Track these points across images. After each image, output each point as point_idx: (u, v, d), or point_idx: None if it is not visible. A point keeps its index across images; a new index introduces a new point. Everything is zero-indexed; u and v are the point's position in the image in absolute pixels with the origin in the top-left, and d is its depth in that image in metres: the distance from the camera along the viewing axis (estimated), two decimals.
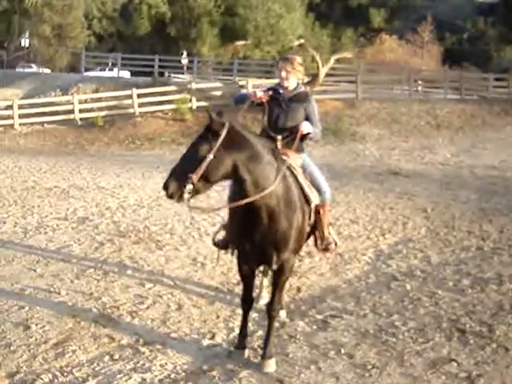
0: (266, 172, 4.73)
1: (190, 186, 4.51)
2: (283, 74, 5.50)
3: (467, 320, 6.24)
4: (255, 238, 4.90)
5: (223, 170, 4.59)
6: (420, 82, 35.29)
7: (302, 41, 28.77)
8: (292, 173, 5.14)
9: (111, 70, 40.42)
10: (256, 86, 27.80)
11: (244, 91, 5.68)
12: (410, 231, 10.18)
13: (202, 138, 4.61)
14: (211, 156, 4.51)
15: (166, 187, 4.57)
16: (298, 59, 5.56)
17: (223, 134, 4.54)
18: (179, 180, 4.52)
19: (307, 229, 5.32)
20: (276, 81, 5.79)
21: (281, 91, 5.56)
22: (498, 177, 16.31)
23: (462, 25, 59.42)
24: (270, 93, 5.48)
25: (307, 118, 5.51)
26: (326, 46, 30.53)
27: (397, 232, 10.10)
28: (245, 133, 4.75)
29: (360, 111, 28.29)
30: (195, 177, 4.49)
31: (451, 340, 5.77)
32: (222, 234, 5.90)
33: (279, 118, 5.47)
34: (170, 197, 4.60)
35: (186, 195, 4.52)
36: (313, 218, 5.38)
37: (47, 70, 40.52)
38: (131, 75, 36.48)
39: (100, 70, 41.56)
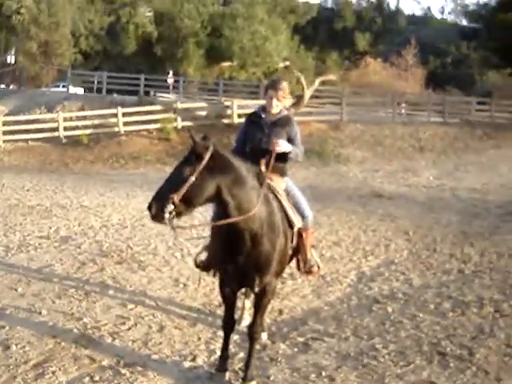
0: (249, 196, 4.77)
1: (170, 207, 4.54)
2: (273, 101, 5.53)
3: (448, 343, 6.28)
4: (238, 260, 4.92)
5: (206, 192, 4.62)
6: (404, 105, 35.64)
7: (287, 63, 28.95)
8: (276, 196, 5.18)
9: (64, 86, 41.16)
10: (241, 107, 28.03)
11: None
12: (392, 253, 10.23)
13: (186, 160, 4.66)
14: (193, 178, 4.55)
15: (149, 208, 4.60)
16: (286, 87, 5.62)
17: (206, 157, 4.59)
18: (161, 200, 4.56)
19: (290, 252, 5.35)
20: (261, 102, 5.81)
21: (263, 116, 5.61)
22: (480, 199, 16.45)
23: (446, 48, 60.20)
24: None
25: (289, 141, 5.55)
26: (311, 68, 30.76)
27: (379, 254, 10.16)
28: (229, 156, 4.79)
29: (344, 133, 28.47)
30: (176, 197, 4.52)
31: (432, 363, 5.80)
32: (204, 256, 5.92)
33: (262, 141, 5.50)
34: (153, 218, 4.63)
35: (167, 215, 4.55)
36: (295, 241, 5.42)
37: (80, 90, 40.34)
38: (118, 93, 36.47)
39: (54, 87, 42.10)
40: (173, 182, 4.60)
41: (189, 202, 4.61)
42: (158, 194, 4.61)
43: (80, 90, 39.79)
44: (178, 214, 4.62)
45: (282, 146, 5.38)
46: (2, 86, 42.67)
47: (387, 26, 55.45)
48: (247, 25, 27.40)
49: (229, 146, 5.35)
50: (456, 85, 48.03)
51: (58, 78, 46.34)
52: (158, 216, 4.59)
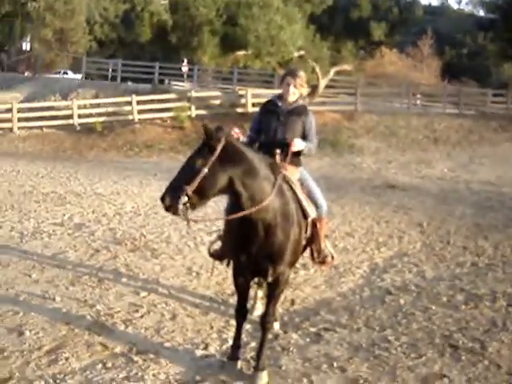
0: (263, 186, 4.76)
1: (184, 198, 4.54)
2: (290, 88, 5.50)
3: (460, 336, 6.26)
4: (251, 250, 4.92)
5: (218, 184, 4.62)
6: (419, 96, 35.40)
7: (302, 52, 28.83)
8: (290, 187, 5.17)
9: (65, 73, 42.30)
10: (255, 96, 27.98)
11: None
12: (405, 245, 10.21)
13: (199, 151, 4.66)
14: (206, 170, 4.54)
15: (162, 199, 4.61)
16: (304, 76, 5.61)
17: (219, 148, 4.58)
18: (175, 192, 4.56)
19: (303, 242, 5.35)
20: (276, 91, 5.79)
21: (279, 104, 5.59)
22: (494, 192, 16.37)
23: (462, 39, 59.70)
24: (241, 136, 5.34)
25: (304, 132, 5.54)
26: (326, 57, 30.60)
27: (392, 246, 10.13)
28: (242, 148, 4.78)
29: (359, 124, 28.37)
30: (189, 189, 4.53)
31: (443, 356, 5.79)
32: (217, 245, 5.93)
33: (277, 130, 5.49)
34: (167, 209, 4.64)
35: (181, 206, 4.55)
36: (309, 231, 5.42)
37: (78, 76, 40.83)
38: (131, 81, 36.49)
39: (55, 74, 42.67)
40: (186, 174, 4.59)
41: (202, 194, 4.61)
42: (172, 186, 4.61)
43: (78, 76, 40.41)
44: (192, 206, 4.62)
45: (297, 145, 5.38)
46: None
47: (403, 16, 55.07)
48: (263, 13, 27.28)
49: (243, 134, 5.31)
50: (472, 76, 47.62)
51: (73, 65, 46.45)
52: (171, 207, 4.59)
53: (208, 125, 4.70)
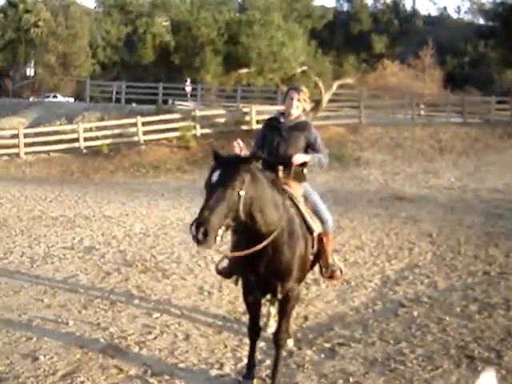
0: (274, 210, 4.79)
1: (221, 231, 4.46)
2: (294, 102, 5.54)
3: (475, 346, 6.23)
4: (259, 268, 4.93)
5: (245, 213, 4.58)
6: (422, 106, 35.42)
7: (304, 68, 28.92)
8: (294, 203, 5.19)
9: (55, 96, 42.79)
10: (259, 112, 28.05)
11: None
12: (416, 257, 10.18)
13: (229, 183, 4.48)
14: (243, 194, 4.50)
15: (198, 232, 4.36)
16: (306, 91, 5.66)
17: (247, 180, 4.56)
18: (211, 227, 4.37)
19: (310, 257, 5.35)
20: (280, 107, 5.82)
21: (281, 120, 5.62)
22: (503, 200, 16.34)
23: (463, 48, 59.78)
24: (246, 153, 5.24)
25: (308, 146, 5.56)
26: (328, 72, 30.63)
27: (403, 258, 10.11)
28: (260, 176, 4.79)
29: (363, 136, 28.38)
30: (229, 220, 4.48)
31: (460, 367, 5.75)
32: (225, 262, 5.93)
33: (280, 145, 5.51)
34: (200, 243, 4.41)
35: (215, 242, 4.45)
36: (316, 246, 5.41)
37: (71, 100, 41.23)
38: (136, 103, 36.70)
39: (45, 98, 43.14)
40: (220, 206, 4.43)
41: (235, 221, 4.57)
42: (210, 220, 4.37)
43: (71, 99, 40.77)
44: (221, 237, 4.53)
45: (299, 159, 5.40)
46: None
47: (404, 28, 55.29)
48: (264, 31, 27.35)
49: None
50: (474, 84, 47.66)
51: (77, 90, 46.76)
52: (206, 243, 4.39)
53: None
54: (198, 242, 4.37)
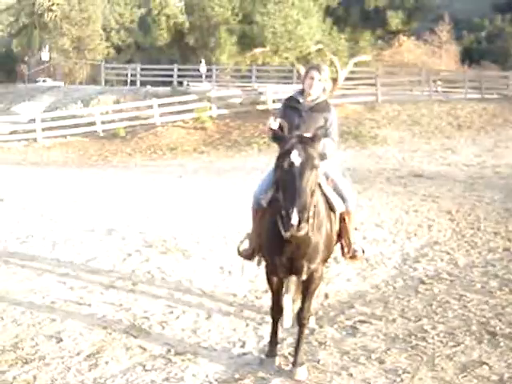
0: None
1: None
2: (315, 82, 5.42)
3: (497, 322, 6.23)
4: (287, 251, 4.90)
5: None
6: (439, 83, 35.05)
7: (320, 46, 28.70)
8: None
9: (44, 81, 42.76)
10: (275, 92, 27.93)
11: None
12: (435, 234, 10.16)
13: (314, 161, 4.68)
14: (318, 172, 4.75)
15: (295, 220, 4.43)
16: (327, 70, 5.55)
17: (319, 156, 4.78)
18: (304, 212, 4.48)
19: (335, 236, 5.34)
20: (296, 87, 5.70)
21: (301, 100, 5.51)
22: None
23: (480, 23, 59.01)
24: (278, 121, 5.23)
25: (326, 129, 5.39)
26: (344, 49, 30.29)
27: (422, 235, 10.09)
28: None
29: (380, 114, 28.19)
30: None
31: (481, 343, 5.77)
32: (246, 244, 5.91)
33: (299, 127, 5.32)
34: (298, 230, 4.52)
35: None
36: (337, 225, 5.40)
37: (61, 83, 41.29)
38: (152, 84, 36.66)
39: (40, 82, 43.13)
40: (308, 188, 4.56)
41: None
42: (307, 204, 4.50)
43: (60, 83, 41.11)
44: None
45: None
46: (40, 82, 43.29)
47: (419, 3, 54.59)
48: (278, 9, 27.10)
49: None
50: (492, 59, 47.05)
51: (92, 73, 46.81)
52: (305, 228, 4.55)
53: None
54: (298, 229, 4.46)
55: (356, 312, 6.61)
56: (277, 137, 4.82)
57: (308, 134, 4.94)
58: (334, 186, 5.50)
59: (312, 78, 5.44)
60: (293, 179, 4.51)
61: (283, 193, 4.57)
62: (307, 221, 4.52)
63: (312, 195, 4.60)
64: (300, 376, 5.10)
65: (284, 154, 4.64)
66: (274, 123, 5.08)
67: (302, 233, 4.52)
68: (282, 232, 4.67)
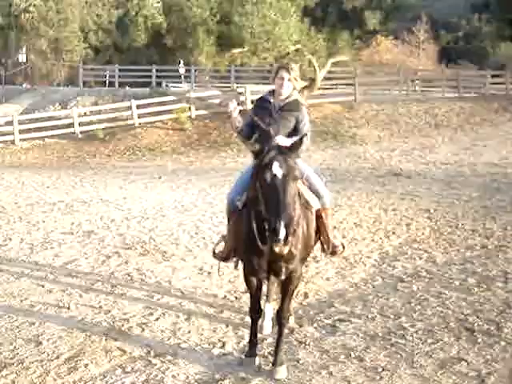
0: None
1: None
2: (284, 82, 5.41)
3: (475, 319, 6.28)
4: (265, 253, 4.89)
5: None
6: (417, 82, 35.28)
7: (298, 46, 28.78)
8: None
9: (21, 85, 42.22)
10: (254, 92, 27.93)
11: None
12: (414, 232, 10.22)
13: (296, 172, 4.72)
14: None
15: (285, 240, 4.47)
16: (296, 69, 5.56)
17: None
18: (290, 227, 4.49)
19: (312, 235, 5.35)
20: (273, 87, 5.69)
21: (271, 100, 5.50)
22: (500, 173, 16.34)
23: (457, 22, 59.43)
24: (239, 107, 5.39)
25: (296, 127, 5.42)
26: (322, 49, 30.49)
27: (401, 233, 10.15)
28: None
29: (359, 113, 28.33)
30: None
31: (460, 339, 5.81)
32: (222, 246, 5.89)
33: (271, 127, 5.26)
34: (285, 244, 4.55)
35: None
36: (314, 223, 5.40)
37: (28, 86, 41.00)
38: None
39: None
40: (292, 200, 4.61)
41: None
42: (288, 219, 4.45)
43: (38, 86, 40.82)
44: None
45: (280, 142, 5.09)
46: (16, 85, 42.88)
47: (397, 3, 54.86)
48: (256, 10, 27.20)
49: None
50: (469, 59, 47.44)
51: (70, 74, 46.47)
52: (289, 243, 4.57)
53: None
54: (285, 243, 4.47)
55: (335, 311, 6.63)
56: (243, 138, 4.85)
57: (287, 143, 4.95)
58: (308, 183, 5.50)
59: (282, 78, 5.43)
60: (276, 192, 4.51)
61: (266, 205, 4.54)
62: (293, 234, 4.53)
63: (295, 208, 4.61)
64: (280, 375, 5.11)
65: (265, 167, 4.63)
66: (233, 104, 5.24)
67: (287, 249, 4.59)
68: (259, 243, 4.72)
